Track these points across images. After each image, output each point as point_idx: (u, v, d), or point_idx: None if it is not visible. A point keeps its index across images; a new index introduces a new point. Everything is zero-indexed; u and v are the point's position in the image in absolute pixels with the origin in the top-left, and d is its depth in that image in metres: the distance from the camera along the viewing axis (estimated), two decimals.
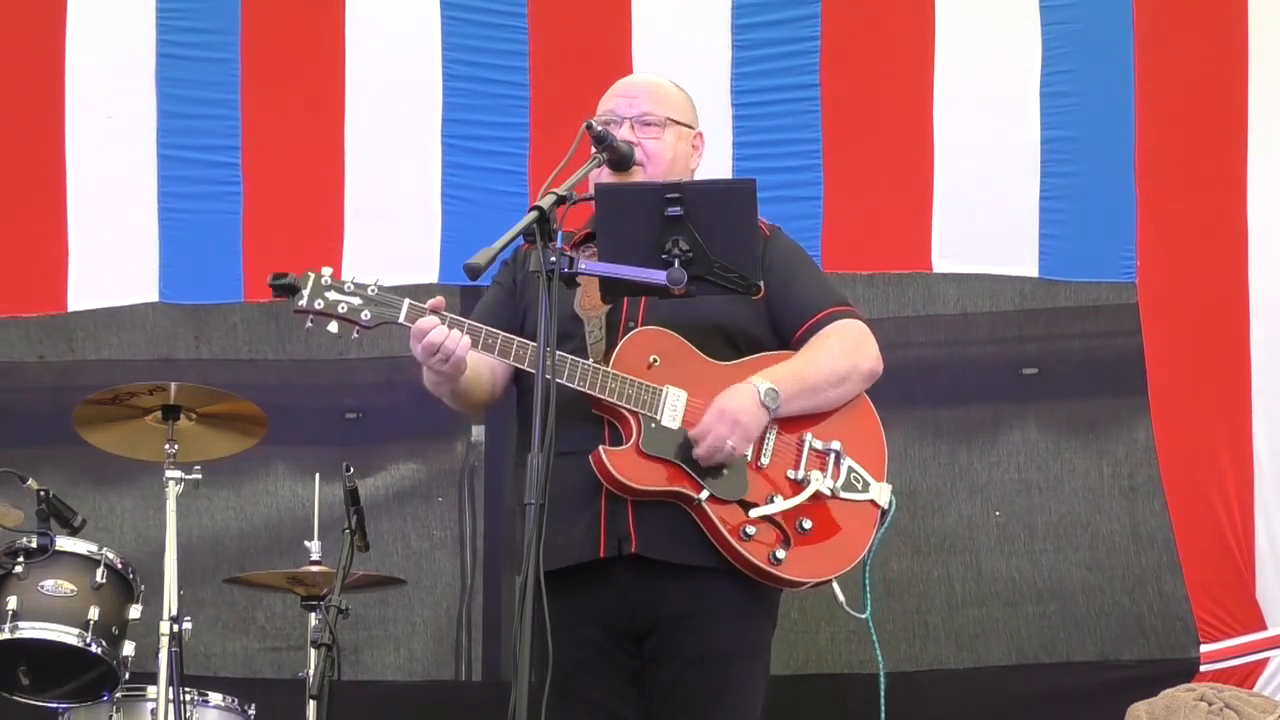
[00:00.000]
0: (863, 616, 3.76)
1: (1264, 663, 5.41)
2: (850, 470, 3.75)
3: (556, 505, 3.35)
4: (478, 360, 3.73)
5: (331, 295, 3.64)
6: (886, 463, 3.81)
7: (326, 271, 3.66)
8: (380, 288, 3.66)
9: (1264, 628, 5.45)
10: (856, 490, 3.76)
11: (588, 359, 3.68)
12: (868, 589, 3.78)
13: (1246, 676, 5.37)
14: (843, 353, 3.78)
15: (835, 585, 3.74)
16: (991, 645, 6.05)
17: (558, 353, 3.49)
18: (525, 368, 3.64)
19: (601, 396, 3.65)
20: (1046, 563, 6.07)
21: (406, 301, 3.65)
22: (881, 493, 3.77)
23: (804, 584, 3.73)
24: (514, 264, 3.94)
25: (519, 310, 3.85)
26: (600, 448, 3.65)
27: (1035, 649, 6.03)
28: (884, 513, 3.77)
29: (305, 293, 3.63)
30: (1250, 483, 5.50)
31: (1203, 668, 5.40)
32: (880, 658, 3.82)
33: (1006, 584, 6.08)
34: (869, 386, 3.83)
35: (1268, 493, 5.49)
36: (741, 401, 3.67)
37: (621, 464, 3.64)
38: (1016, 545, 6.09)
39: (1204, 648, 5.44)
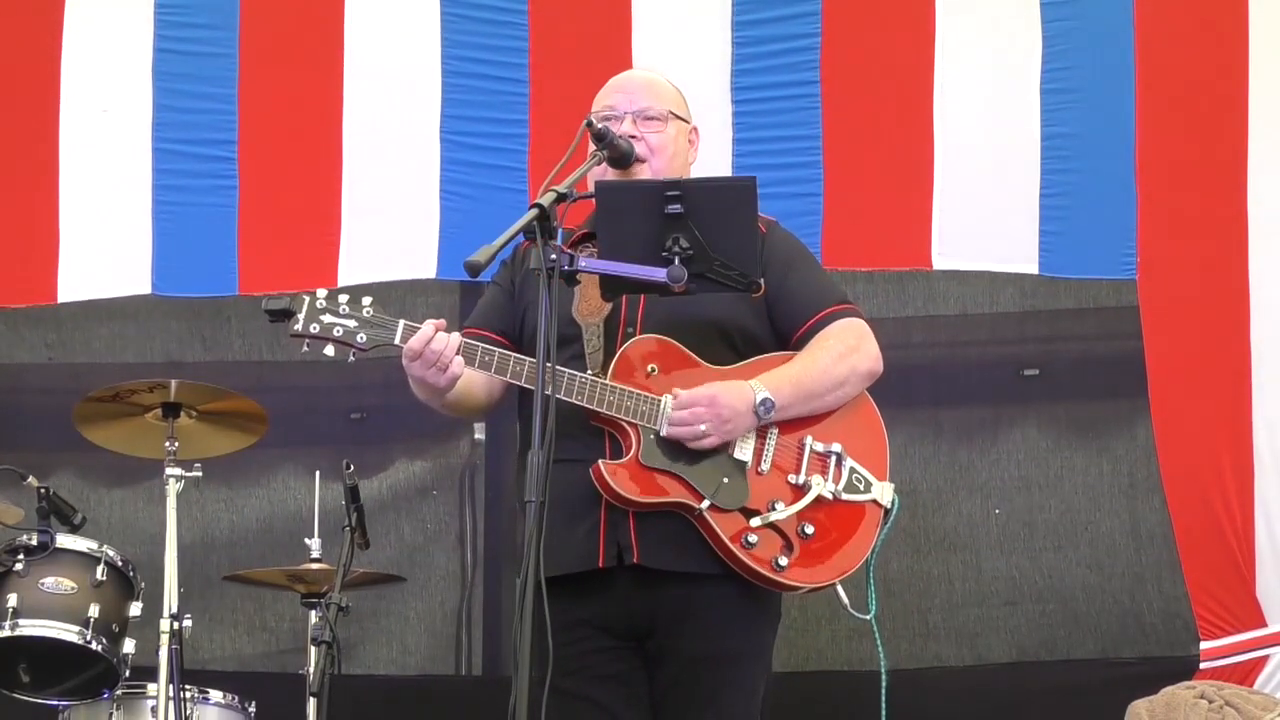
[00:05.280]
0: (866, 618, 3.76)
1: (1264, 660, 5.41)
2: (852, 471, 3.75)
3: (556, 512, 3.34)
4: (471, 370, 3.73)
5: (327, 319, 3.62)
6: (889, 461, 3.80)
7: (321, 293, 3.64)
8: (375, 309, 3.64)
9: (1264, 625, 5.44)
10: (859, 491, 3.75)
11: (585, 368, 3.68)
12: (872, 590, 3.78)
13: (1247, 674, 5.37)
14: (841, 356, 3.77)
15: (839, 587, 3.73)
16: (992, 643, 6.05)
17: (555, 367, 3.47)
18: (523, 384, 3.63)
19: (600, 410, 3.64)
20: (1047, 561, 6.06)
21: (402, 323, 3.64)
22: (884, 492, 3.76)
23: (806, 588, 3.72)
24: (513, 264, 3.93)
25: (518, 310, 3.85)
26: (600, 461, 3.64)
27: (1035, 647, 6.02)
28: (887, 512, 3.76)
29: (301, 317, 3.62)
30: (1250, 480, 5.50)
31: (1203, 665, 5.40)
32: (883, 658, 3.81)
33: (1007, 582, 6.07)
34: (870, 385, 3.82)
35: (1268, 490, 5.49)
36: (735, 400, 3.66)
37: (621, 477, 3.64)
38: (1017, 544, 6.09)
39: (1204, 645, 5.44)
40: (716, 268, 3.52)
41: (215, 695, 4.96)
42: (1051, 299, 6.05)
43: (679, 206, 3.49)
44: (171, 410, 5.02)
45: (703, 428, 3.63)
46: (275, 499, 6.25)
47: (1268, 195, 5.52)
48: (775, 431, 3.72)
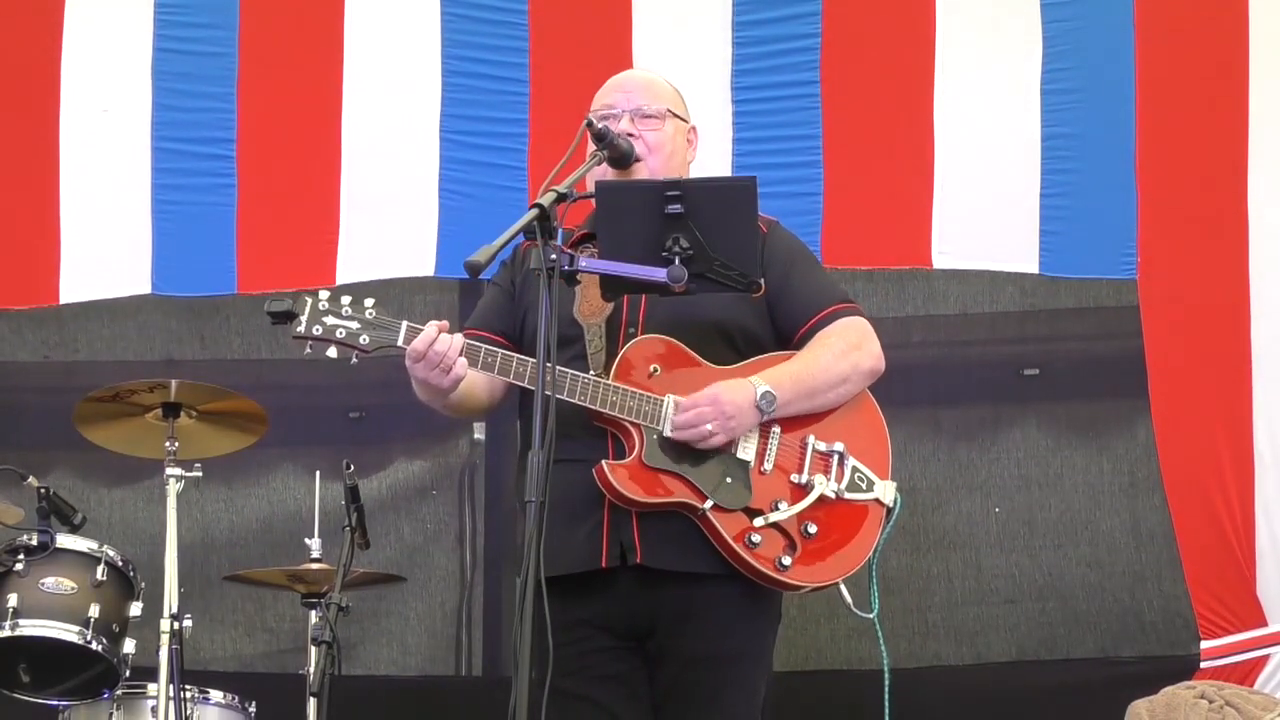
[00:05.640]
0: (869, 616, 3.76)
1: (1264, 659, 5.41)
2: (854, 470, 3.75)
3: (558, 512, 3.35)
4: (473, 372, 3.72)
5: (330, 321, 3.61)
6: (891, 459, 3.81)
7: (324, 295, 3.63)
8: (377, 310, 3.62)
9: (1264, 624, 5.45)
10: (861, 490, 3.75)
11: (587, 368, 3.68)
12: (875, 588, 3.78)
13: (1247, 673, 5.37)
14: (843, 354, 3.78)
15: (842, 586, 3.74)
16: (991, 642, 6.05)
17: (558, 368, 3.46)
18: (526, 385, 3.63)
19: (602, 410, 3.64)
20: (1046, 559, 6.06)
21: (405, 324, 3.63)
22: (886, 491, 3.77)
23: (809, 587, 3.73)
24: (513, 264, 3.93)
25: (518, 311, 3.85)
26: (603, 461, 3.64)
27: (1035, 646, 6.02)
28: (889, 510, 3.77)
29: (303, 319, 3.61)
30: (1250, 479, 5.50)
31: (1203, 664, 5.40)
32: (885, 656, 3.81)
33: (1006, 581, 6.07)
34: (871, 384, 3.82)
35: (1268, 489, 5.50)
36: (737, 397, 3.66)
37: (624, 477, 3.64)
38: (1016, 542, 6.08)
39: (1204, 644, 5.45)
40: (716, 268, 3.52)
41: (215, 695, 4.96)
42: (1051, 299, 6.05)
43: (679, 206, 3.49)
44: (171, 410, 5.02)
45: (709, 427, 3.64)
46: (275, 499, 6.25)
47: (1268, 195, 5.52)
48: (778, 431, 3.72)
